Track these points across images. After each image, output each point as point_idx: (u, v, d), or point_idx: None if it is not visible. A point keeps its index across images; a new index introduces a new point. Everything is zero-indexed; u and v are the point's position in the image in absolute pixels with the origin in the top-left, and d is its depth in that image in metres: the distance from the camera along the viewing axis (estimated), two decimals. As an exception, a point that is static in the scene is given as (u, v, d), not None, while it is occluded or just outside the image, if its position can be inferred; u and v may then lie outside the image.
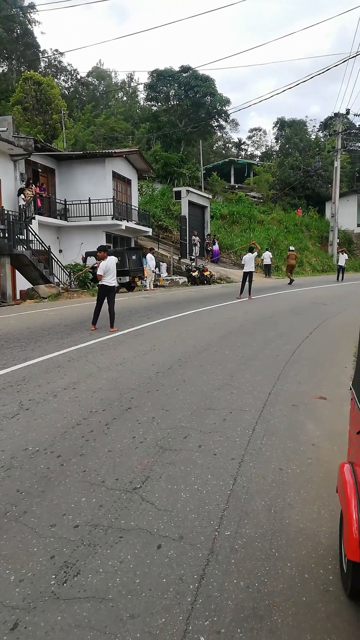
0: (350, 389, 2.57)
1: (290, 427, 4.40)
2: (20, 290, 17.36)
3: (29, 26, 46.40)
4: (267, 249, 28.18)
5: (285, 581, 2.39)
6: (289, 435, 4.21)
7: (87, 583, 2.35)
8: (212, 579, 2.38)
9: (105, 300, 9.52)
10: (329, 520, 2.90)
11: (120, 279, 19.19)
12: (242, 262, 15.34)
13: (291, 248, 24.62)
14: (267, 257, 27.14)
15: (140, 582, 2.36)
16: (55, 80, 46.66)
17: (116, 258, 9.89)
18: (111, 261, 9.48)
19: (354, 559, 2.05)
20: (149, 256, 19.73)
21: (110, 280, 9.47)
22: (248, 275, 15.05)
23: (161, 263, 24.17)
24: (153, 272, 19.86)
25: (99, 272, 9.36)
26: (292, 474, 3.51)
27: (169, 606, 2.20)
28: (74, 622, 2.12)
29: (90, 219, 21.99)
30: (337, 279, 23.09)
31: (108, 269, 9.37)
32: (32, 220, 18.74)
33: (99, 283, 9.48)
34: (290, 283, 21.52)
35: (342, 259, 23.38)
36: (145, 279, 20.06)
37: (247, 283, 15.05)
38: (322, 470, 3.56)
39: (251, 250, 15.71)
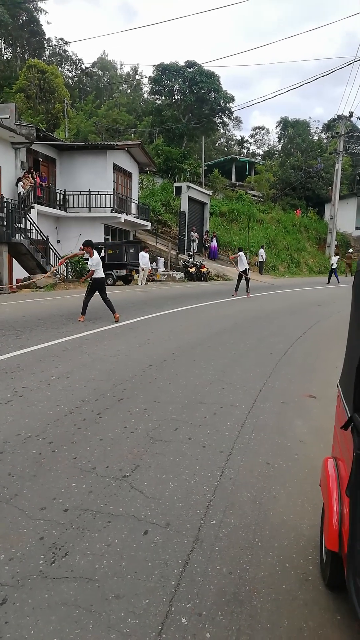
0: (337, 386, 2.65)
1: (279, 424, 4.49)
2: (17, 279, 17.36)
3: (35, 14, 46.00)
4: (261, 247, 28.33)
5: (267, 569, 2.47)
6: (278, 431, 4.30)
7: (74, 564, 2.42)
8: (196, 565, 2.45)
9: (99, 294, 9.69)
10: (312, 513, 2.99)
11: (117, 272, 19.20)
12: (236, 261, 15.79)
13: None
14: (260, 254, 27.42)
15: (126, 565, 2.43)
16: (59, 69, 46.29)
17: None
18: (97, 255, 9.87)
19: (333, 549, 2.13)
20: (142, 254, 19.31)
21: (101, 272, 9.73)
22: (243, 274, 15.38)
23: (158, 258, 24.13)
24: (142, 269, 19.45)
25: (91, 265, 9.62)
26: (279, 468, 3.59)
27: (153, 588, 2.28)
28: (61, 600, 2.19)
29: (89, 211, 21.97)
30: (328, 281, 23.37)
31: (99, 262, 9.65)
32: (32, 210, 18.70)
33: (94, 277, 9.59)
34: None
35: (335, 261, 23.85)
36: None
37: (243, 281, 15.37)
38: (307, 465, 3.64)
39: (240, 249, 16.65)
